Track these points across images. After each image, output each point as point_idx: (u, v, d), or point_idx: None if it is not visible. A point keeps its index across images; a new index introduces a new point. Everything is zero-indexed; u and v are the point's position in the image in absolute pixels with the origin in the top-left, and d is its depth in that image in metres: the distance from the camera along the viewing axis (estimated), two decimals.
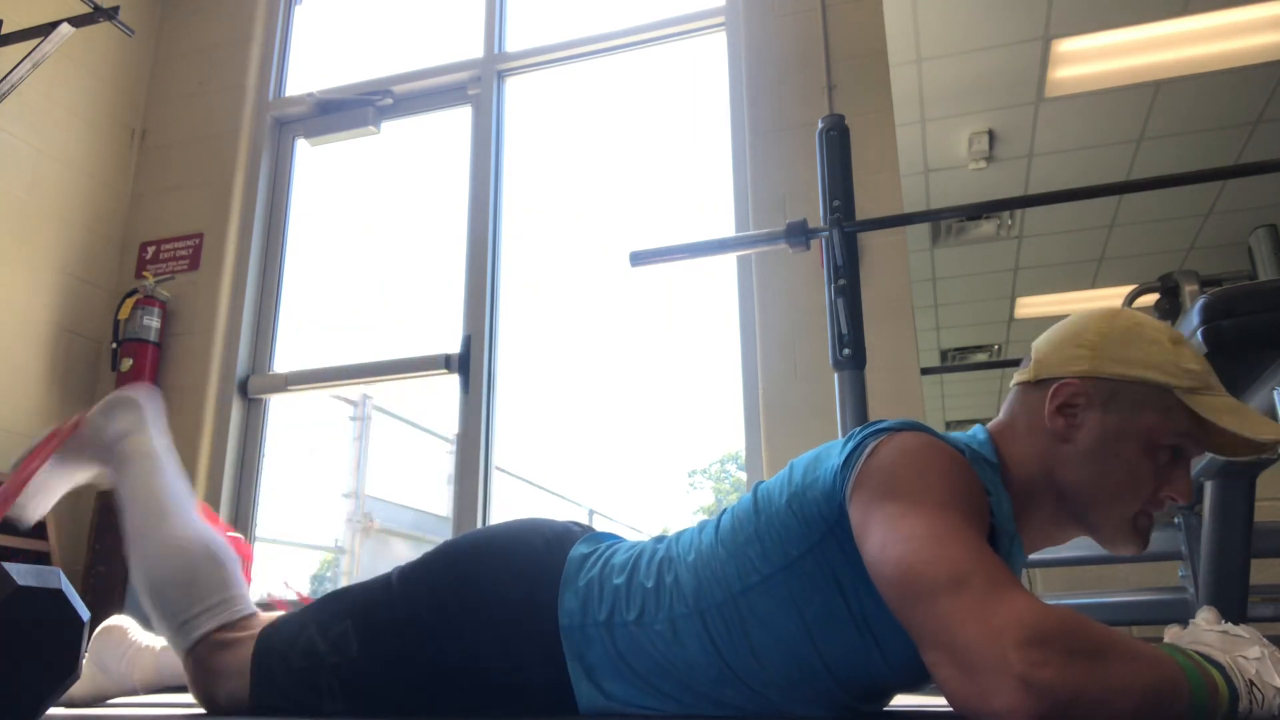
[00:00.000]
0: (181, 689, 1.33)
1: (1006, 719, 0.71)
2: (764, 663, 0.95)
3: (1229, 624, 0.83)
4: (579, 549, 1.08)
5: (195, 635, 1.13)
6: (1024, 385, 1.02)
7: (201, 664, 1.13)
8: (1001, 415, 1.04)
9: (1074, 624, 0.73)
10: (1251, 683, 0.76)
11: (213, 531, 1.23)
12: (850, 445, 0.95)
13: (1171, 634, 0.85)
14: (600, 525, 1.23)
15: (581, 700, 1.01)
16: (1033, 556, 1.06)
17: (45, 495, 1.35)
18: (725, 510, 1.06)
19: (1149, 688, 0.72)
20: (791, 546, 0.94)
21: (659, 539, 1.09)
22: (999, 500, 0.96)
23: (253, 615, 1.18)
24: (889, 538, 0.84)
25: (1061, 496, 0.98)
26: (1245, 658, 0.77)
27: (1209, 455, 1.74)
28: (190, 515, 1.24)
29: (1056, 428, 0.97)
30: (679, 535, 1.08)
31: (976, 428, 1.05)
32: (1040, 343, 1.03)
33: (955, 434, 1.04)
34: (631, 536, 1.16)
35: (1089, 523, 0.99)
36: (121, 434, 1.32)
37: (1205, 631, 0.82)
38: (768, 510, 0.98)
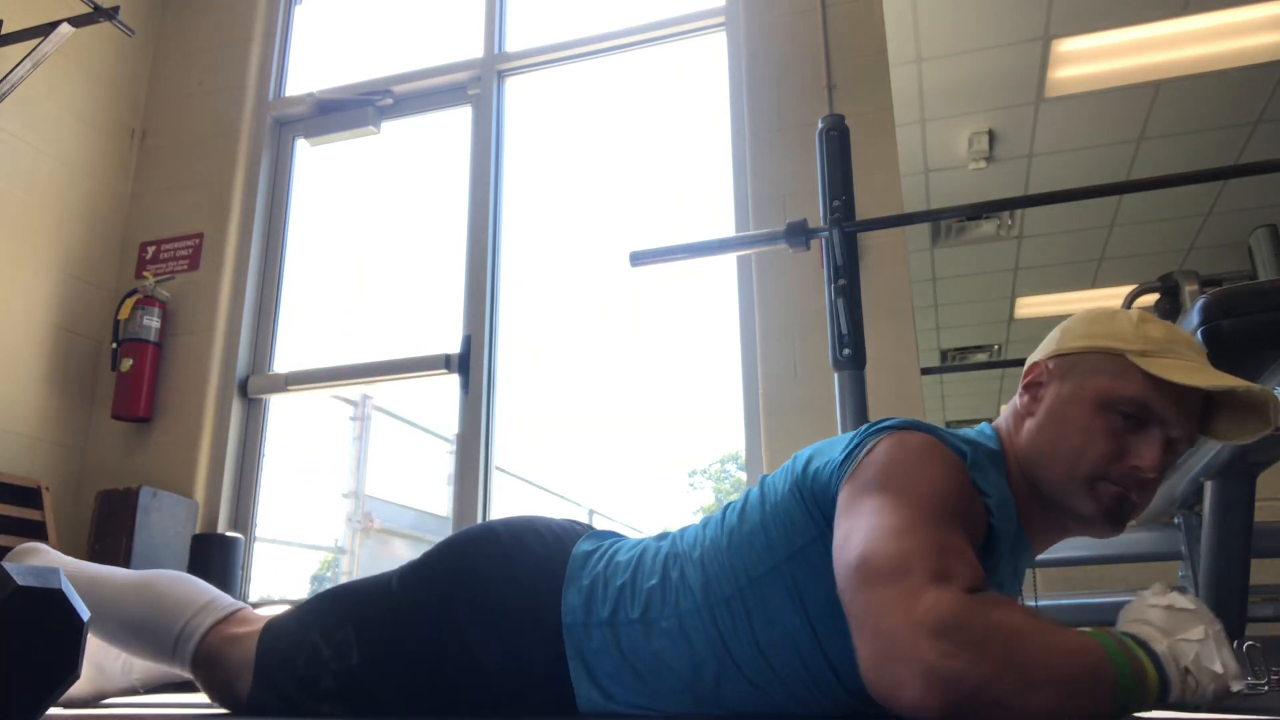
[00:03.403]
0: (179, 688, 1.33)
1: (914, 709, 0.71)
2: (770, 659, 0.95)
3: (1176, 595, 0.81)
4: (582, 546, 1.08)
5: (198, 636, 1.13)
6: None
7: (213, 663, 1.13)
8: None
9: (993, 615, 0.72)
10: (1187, 669, 0.75)
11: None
12: (854, 442, 0.95)
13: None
14: (600, 525, 1.22)
15: (581, 699, 1.00)
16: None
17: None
18: (728, 505, 1.06)
19: (1067, 680, 0.71)
20: (796, 535, 0.95)
21: (662, 536, 1.09)
22: (1001, 501, 0.96)
23: (243, 609, 1.18)
24: (856, 527, 0.85)
25: (1033, 477, 0.98)
26: (1187, 640, 0.76)
27: (1208, 455, 1.75)
28: (121, 571, 1.23)
29: (1023, 405, 1.01)
30: (683, 531, 1.07)
31: (984, 425, 1.06)
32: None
33: (964, 431, 1.04)
34: (633, 536, 1.15)
35: (1052, 496, 0.97)
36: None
37: (1150, 608, 0.81)
38: (773, 499, 0.99)
